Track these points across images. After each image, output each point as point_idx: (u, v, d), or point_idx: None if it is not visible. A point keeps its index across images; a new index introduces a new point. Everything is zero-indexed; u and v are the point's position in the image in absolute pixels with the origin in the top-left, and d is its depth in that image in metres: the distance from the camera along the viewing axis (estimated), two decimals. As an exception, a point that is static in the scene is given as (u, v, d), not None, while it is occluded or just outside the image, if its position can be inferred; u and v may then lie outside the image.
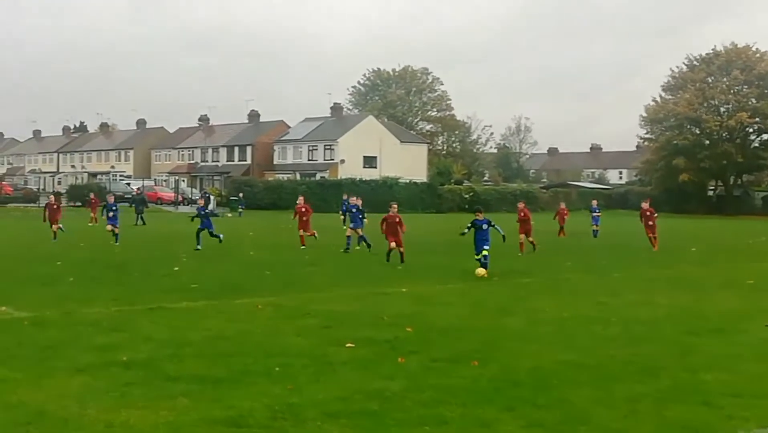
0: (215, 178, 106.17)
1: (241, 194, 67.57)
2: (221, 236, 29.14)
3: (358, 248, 29.08)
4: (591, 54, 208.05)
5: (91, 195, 53.28)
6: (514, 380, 9.56)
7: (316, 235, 30.67)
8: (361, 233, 29.54)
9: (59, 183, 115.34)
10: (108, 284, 18.30)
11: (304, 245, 29.49)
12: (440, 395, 8.80)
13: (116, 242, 30.24)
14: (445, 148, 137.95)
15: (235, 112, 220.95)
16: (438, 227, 49.20)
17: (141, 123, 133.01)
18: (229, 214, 63.23)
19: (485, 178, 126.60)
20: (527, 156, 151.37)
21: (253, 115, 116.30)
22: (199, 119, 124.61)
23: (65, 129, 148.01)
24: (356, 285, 18.98)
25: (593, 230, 40.75)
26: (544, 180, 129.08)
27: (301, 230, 30.37)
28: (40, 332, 12.35)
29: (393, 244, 23.80)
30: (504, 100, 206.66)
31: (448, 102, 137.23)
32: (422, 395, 8.85)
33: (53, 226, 31.94)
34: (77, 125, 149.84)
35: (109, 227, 31.70)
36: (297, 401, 8.52)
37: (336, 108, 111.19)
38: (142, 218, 46.44)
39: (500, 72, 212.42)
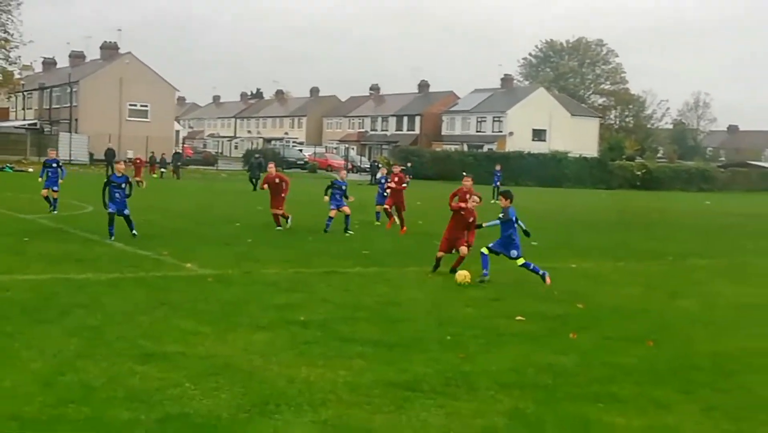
0: (384, 147, 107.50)
1: (409, 164, 68.04)
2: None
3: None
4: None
5: (136, 157, 51.47)
6: (692, 364, 9.33)
7: (288, 218, 23.23)
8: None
9: (236, 147, 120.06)
10: (283, 246, 18.97)
11: (280, 226, 22.95)
12: (614, 373, 8.72)
13: (53, 210, 24.51)
14: (617, 122, 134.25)
15: (406, 82, 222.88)
16: (607, 204, 48.17)
17: (314, 91, 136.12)
18: (397, 183, 63.97)
19: (659, 155, 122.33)
20: (705, 133, 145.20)
21: (423, 86, 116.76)
22: (370, 88, 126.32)
23: (243, 95, 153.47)
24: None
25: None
26: (722, 159, 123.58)
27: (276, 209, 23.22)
28: (223, 289, 13.00)
29: (449, 248, 15.98)
30: (682, 75, 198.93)
31: (623, 75, 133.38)
32: (595, 371, 8.79)
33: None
34: (254, 92, 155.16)
35: (45, 192, 24.91)
36: (469, 369, 8.64)
37: (506, 79, 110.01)
38: (257, 183, 44.37)
39: (679, 46, 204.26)
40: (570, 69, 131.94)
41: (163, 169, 57.81)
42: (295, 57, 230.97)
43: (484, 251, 15.14)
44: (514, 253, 15.03)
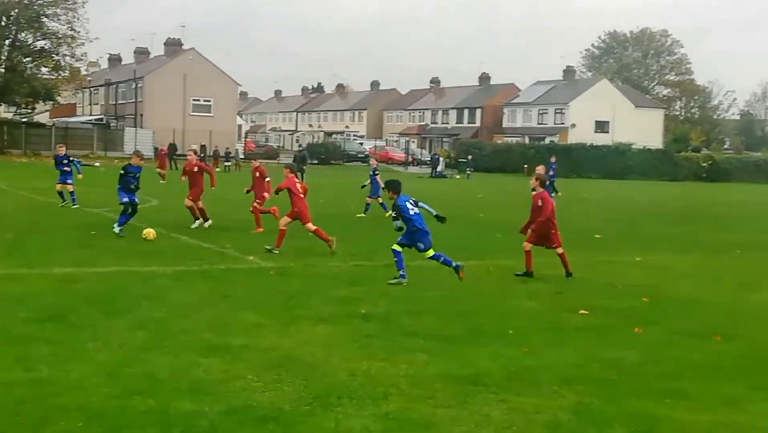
0: (444, 140, 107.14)
1: (469, 156, 67.87)
2: None
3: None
4: None
5: (161, 147, 48.92)
6: (762, 358, 9.10)
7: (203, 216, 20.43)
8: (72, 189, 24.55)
9: (297, 141, 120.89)
10: (344, 240, 18.92)
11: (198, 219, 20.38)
12: (681, 369, 8.55)
13: (73, 204, 24.39)
14: (682, 113, 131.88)
15: (467, 75, 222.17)
16: (672, 196, 47.33)
17: (375, 85, 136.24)
18: (458, 176, 63.77)
19: (725, 147, 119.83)
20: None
21: (484, 78, 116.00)
22: (431, 81, 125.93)
23: (304, 89, 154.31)
24: (588, 252, 18.61)
25: None
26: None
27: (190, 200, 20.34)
28: (285, 281, 13.09)
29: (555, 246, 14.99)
30: (750, 65, 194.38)
31: (688, 66, 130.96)
32: (662, 367, 8.63)
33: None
34: (315, 86, 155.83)
35: (59, 186, 24.92)
36: (532, 363, 8.55)
37: (568, 71, 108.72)
38: (303, 176, 43.51)
39: (747, 36, 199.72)
40: (634, 60, 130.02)
41: (227, 163, 58.49)
42: (355, 51, 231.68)
43: (396, 247, 13.63)
44: (420, 246, 13.49)
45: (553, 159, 45.48)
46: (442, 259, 13.54)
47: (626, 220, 28.46)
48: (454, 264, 13.51)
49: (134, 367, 7.90)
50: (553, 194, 39.06)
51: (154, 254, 15.48)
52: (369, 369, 8.12)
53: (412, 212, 13.49)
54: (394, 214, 13.75)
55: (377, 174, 25.79)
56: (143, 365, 7.99)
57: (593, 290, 13.37)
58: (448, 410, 7.04)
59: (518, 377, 8.05)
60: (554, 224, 14.90)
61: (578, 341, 9.77)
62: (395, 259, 13.56)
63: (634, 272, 15.76)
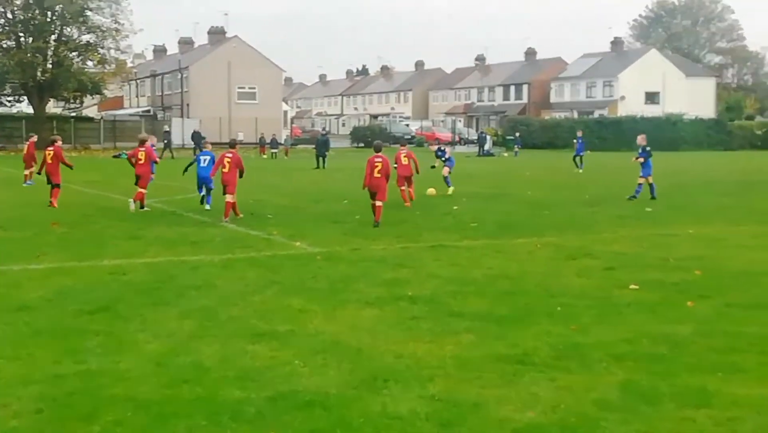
0: (491, 117, 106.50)
1: (517, 134, 67.27)
2: None
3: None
4: None
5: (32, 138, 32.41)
6: (819, 330, 8.87)
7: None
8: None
9: (343, 125, 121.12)
10: (391, 222, 18.90)
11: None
12: (735, 342, 8.37)
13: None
14: (735, 81, 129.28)
15: (512, 51, 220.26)
16: (726, 166, 46.44)
17: (419, 65, 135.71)
18: (506, 154, 63.29)
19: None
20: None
21: (530, 53, 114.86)
22: (476, 59, 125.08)
23: (348, 73, 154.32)
24: (640, 226, 18.36)
25: None
26: None
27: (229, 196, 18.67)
28: (331, 266, 13.08)
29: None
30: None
31: (740, 32, 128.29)
32: (714, 341, 8.45)
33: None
34: (359, 69, 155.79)
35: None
36: (581, 341, 8.45)
37: (616, 42, 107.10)
38: (324, 161, 43.74)
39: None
40: (683, 29, 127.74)
41: (274, 150, 58.76)
42: (399, 32, 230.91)
43: None
44: None
45: (579, 134, 44.74)
46: None
47: (678, 192, 27.99)
48: None
49: (182, 356, 7.96)
50: (578, 169, 38.62)
51: (202, 243, 15.59)
52: (415, 351, 8.09)
53: None
54: None
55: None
56: (191, 354, 8.04)
57: (644, 265, 13.15)
58: (495, 390, 6.98)
59: (567, 355, 7.95)
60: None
61: (628, 316, 9.63)
62: None
63: (686, 245, 15.47)
